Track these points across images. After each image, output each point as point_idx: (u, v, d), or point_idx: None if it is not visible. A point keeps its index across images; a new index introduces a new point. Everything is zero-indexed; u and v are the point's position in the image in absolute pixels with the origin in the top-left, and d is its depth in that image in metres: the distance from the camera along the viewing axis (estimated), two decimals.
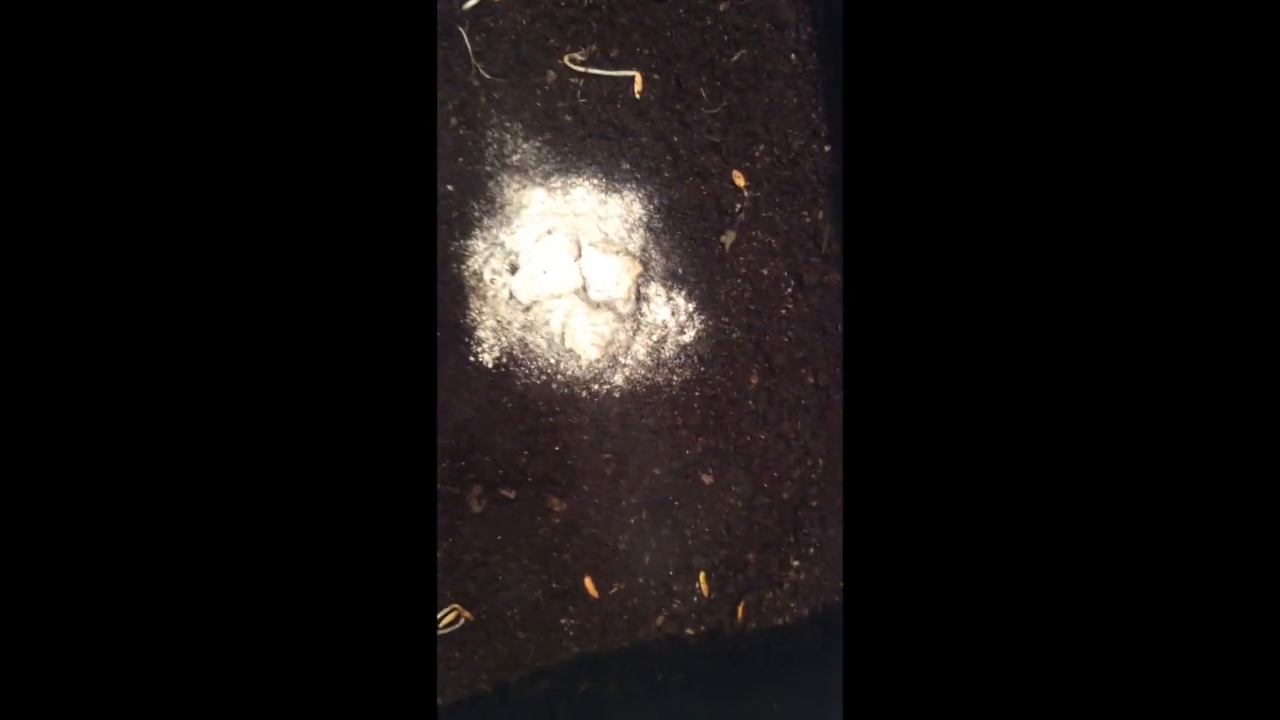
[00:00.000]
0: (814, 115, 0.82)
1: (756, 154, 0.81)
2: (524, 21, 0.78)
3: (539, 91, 0.78)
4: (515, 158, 0.78)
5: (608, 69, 0.78)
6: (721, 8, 0.80)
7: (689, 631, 0.78)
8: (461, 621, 0.73)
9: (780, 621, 0.79)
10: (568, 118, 0.79)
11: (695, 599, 0.78)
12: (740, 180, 0.81)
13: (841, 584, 0.81)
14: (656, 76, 0.79)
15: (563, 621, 0.76)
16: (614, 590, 0.77)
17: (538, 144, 0.78)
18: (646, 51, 0.79)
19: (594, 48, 0.79)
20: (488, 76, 0.77)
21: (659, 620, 0.78)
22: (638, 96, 0.79)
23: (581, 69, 0.78)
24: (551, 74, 0.78)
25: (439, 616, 0.73)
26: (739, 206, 0.81)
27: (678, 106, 0.80)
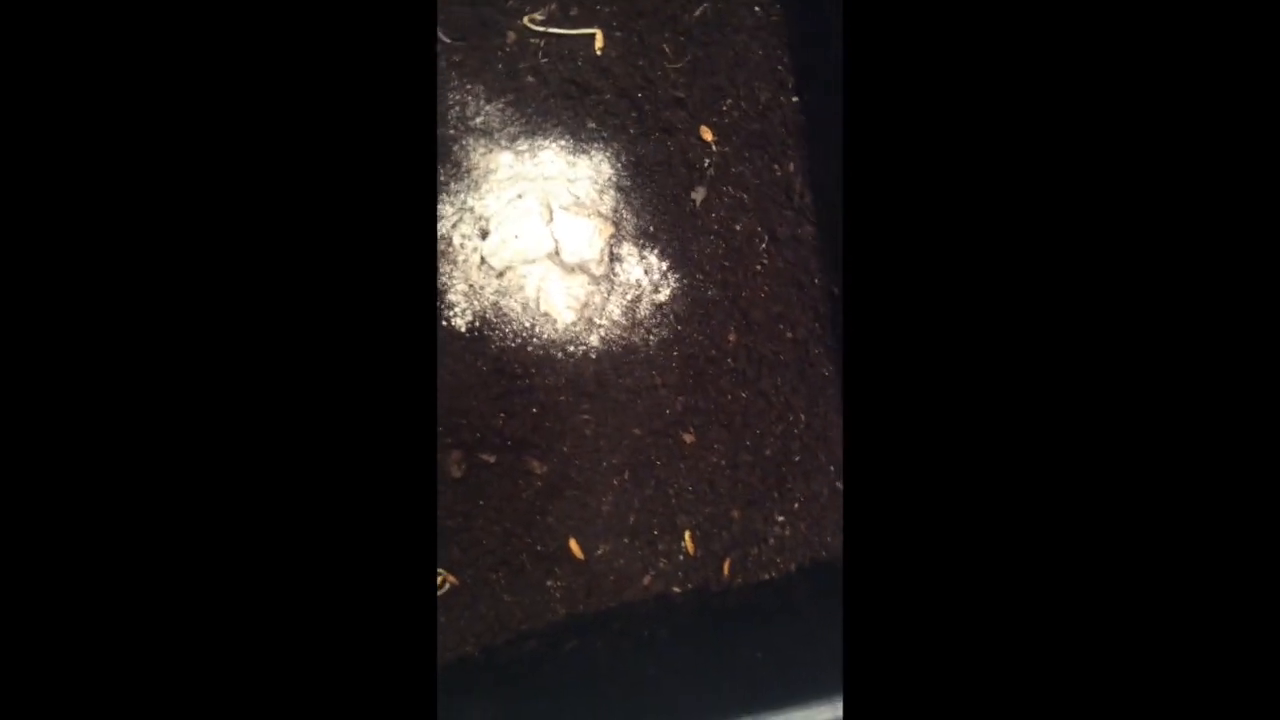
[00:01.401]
0: (780, 67, 0.81)
1: (724, 108, 0.80)
2: None
3: (500, 53, 0.77)
4: (479, 120, 0.78)
5: (567, 28, 0.78)
6: None
7: (676, 590, 0.78)
8: (447, 586, 0.73)
9: (766, 576, 0.79)
10: (530, 78, 0.78)
11: (681, 557, 0.78)
12: (708, 135, 0.80)
13: (828, 539, 0.81)
14: (618, 33, 0.79)
15: (549, 584, 0.76)
16: (599, 551, 0.77)
17: (501, 106, 0.78)
18: (607, 9, 0.78)
19: (553, 7, 0.78)
20: (448, 40, 0.76)
21: (646, 580, 0.77)
22: (599, 54, 0.78)
23: (541, 29, 0.77)
24: (511, 35, 0.77)
25: None
26: (708, 162, 0.80)
27: (640, 63, 0.79)
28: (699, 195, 0.80)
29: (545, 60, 0.78)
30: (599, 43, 0.78)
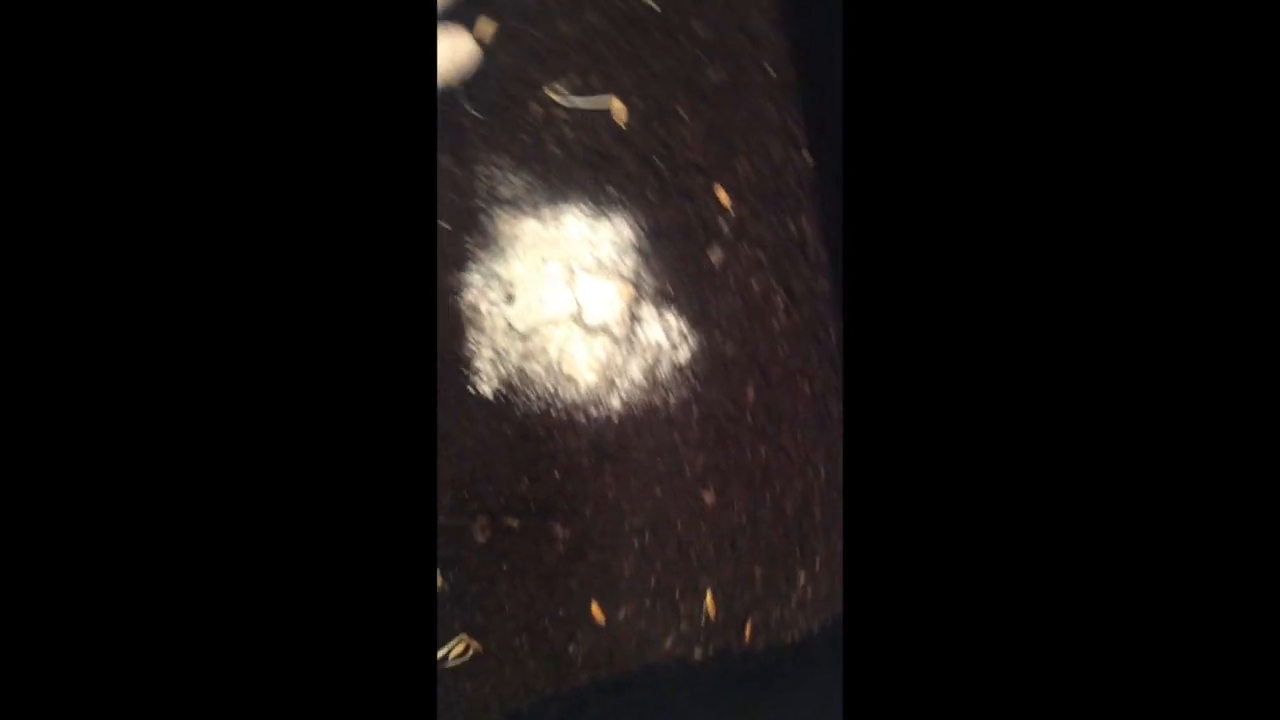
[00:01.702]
0: (792, 124, 0.82)
1: (739, 169, 0.82)
2: (507, 59, 0.79)
3: (525, 125, 0.79)
4: (506, 191, 0.80)
5: (588, 97, 0.80)
6: (694, 25, 0.81)
7: (697, 652, 0.78)
8: (471, 653, 0.74)
9: (789, 637, 0.79)
10: (554, 148, 0.80)
11: (703, 619, 0.78)
12: (724, 196, 0.81)
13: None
14: (638, 101, 0.80)
15: (571, 648, 0.76)
16: (621, 614, 0.77)
17: (527, 176, 0.79)
18: (626, 79, 0.80)
19: (574, 77, 0.80)
20: (479, 116, 0.78)
21: (667, 643, 0.78)
22: (620, 122, 0.80)
23: (563, 100, 0.79)
24: (536, 107, 0.79)
25: (450, 648, 0.73)
26: (724, 222, 0.81)
27: (659, 129, 0.80)
28: (716, 255, 0.81)
29: (568, 130, 0.80)
30: (618, 110, 0.79)
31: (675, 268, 0.81)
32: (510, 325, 0.79)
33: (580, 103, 0.77)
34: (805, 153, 0.84)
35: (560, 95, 0.79)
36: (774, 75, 0.82)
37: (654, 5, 0.79)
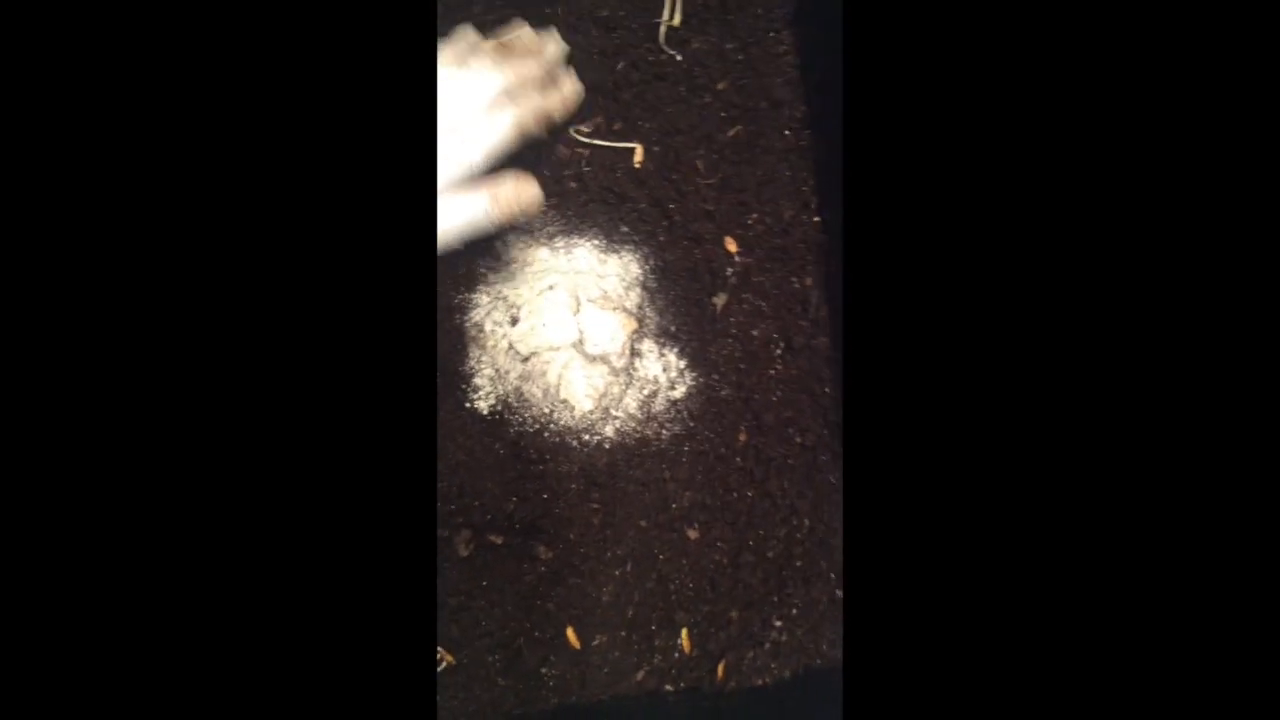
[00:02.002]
0: (805, 188, 0.87)
1: (749, 222, 0.86)
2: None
3: (549, 162, 0.83)
4: (522, 220, 0.83)
5: (611, 140, 0.84)
6: (720, 86, 0.86)
7: (668, 688, 0.78)
8: (444, 664, 0.74)
9: (760, 681, 0.79)
10: (572, 184, 0.84)
11: (676, 654, 0.79)
12: (732, 246, 0.85)
13: (824, 647, 0.81)
14: (656, 149, 0.85)
15: (543, 670, 0.76)
16: (596, 642, 0.77)
17: (544, 208, 0.83)
18: (648, 125, 0.85)
19: (599, 120, 0.85)
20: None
21: (639, 675, 0.78)
22: (638, 166, 0.84)
23: (586, 140, 0.84)
24: (561, 148, 0.84)
25: None
26: (730, 271, 0.85)
27: (675, 176, 0.85)
28: (720, 300, 0.84)
29: (588, 169, 0.84)
30: (638, 156, 0.84)
31: (679, 307, 0.84)
32: (512, 346, 0.82)
33: (604, 143, 0.82)
34: (814, 216, 0.87)
35: (585, 136, 0.83)
36: (790, 138, 0.87)
37: (675, 54, 0.84)
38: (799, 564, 0.82)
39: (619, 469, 0.80)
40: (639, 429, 0.82)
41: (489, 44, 0.74)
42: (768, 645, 0.80)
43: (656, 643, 0.78)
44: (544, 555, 0.77)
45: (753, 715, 0.77)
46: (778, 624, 0.81)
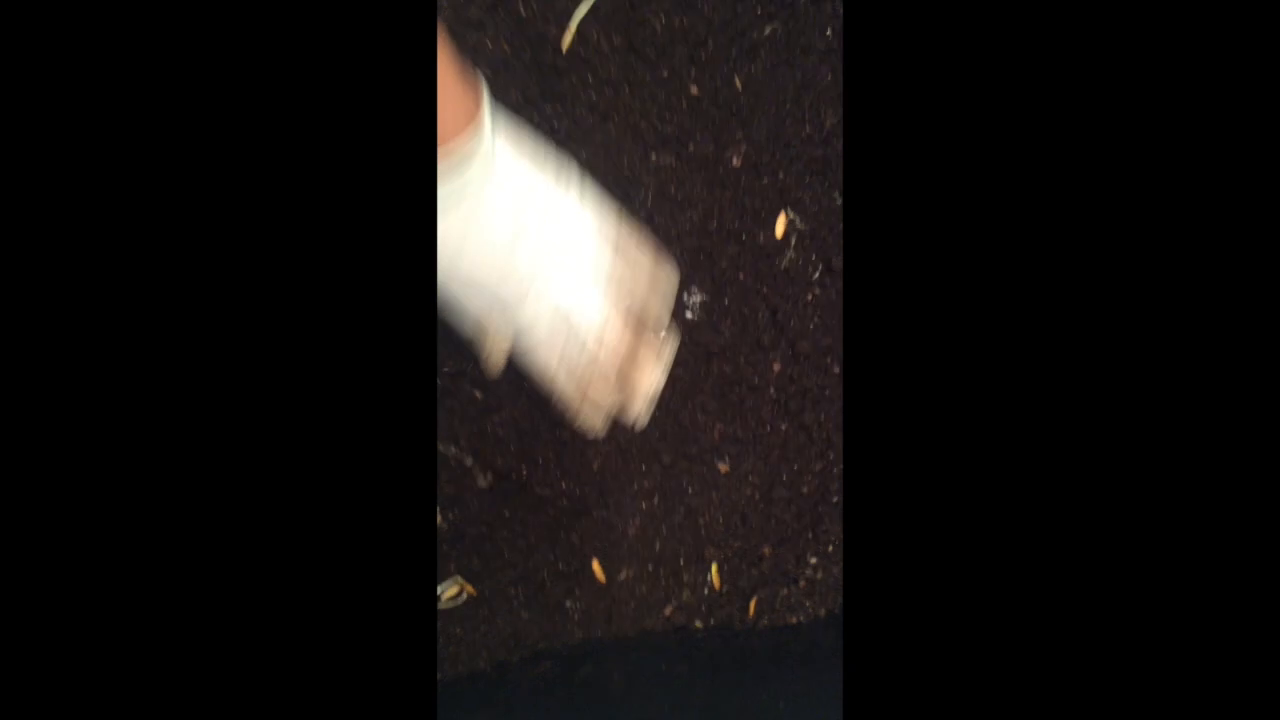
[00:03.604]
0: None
1: (787, 133, 0.78)
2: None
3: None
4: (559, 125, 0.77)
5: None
6: None
7: (698, 624, 0.75)
8: (464, 596, 0.72)
9: (794, 620, 0.76)
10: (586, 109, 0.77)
11: (706, 590, 0.76)
12: (766, 158, 0.78)
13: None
14: (693, 70, 0.77)
15: (568, 604, 0.74)
16: (622, 576, 0.75)
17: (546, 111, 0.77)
18: (677, 20, 0.77)
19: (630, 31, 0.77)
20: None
21: (667, 610, 0.75)
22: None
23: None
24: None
25: (442, 589, 0.72)
26: (766, 181, 0.78)
27: (716, 83, 0.77)
28: (757, 220, 0.78)
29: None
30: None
31: (709, 227, 0.78)
32: None
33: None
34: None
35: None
36: (831, 38, 0.78)
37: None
38: (835, 500, 0.78)
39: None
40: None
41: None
42: (802, 583, 0.77)
43: (685, 578, 0.75)
44: (566, 487, 0.74)
45: (786, 653, 0.74)
46: (812, 561, 0.77)
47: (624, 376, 0.62)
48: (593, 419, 0.64)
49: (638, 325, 0.63)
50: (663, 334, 0.67)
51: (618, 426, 0.75)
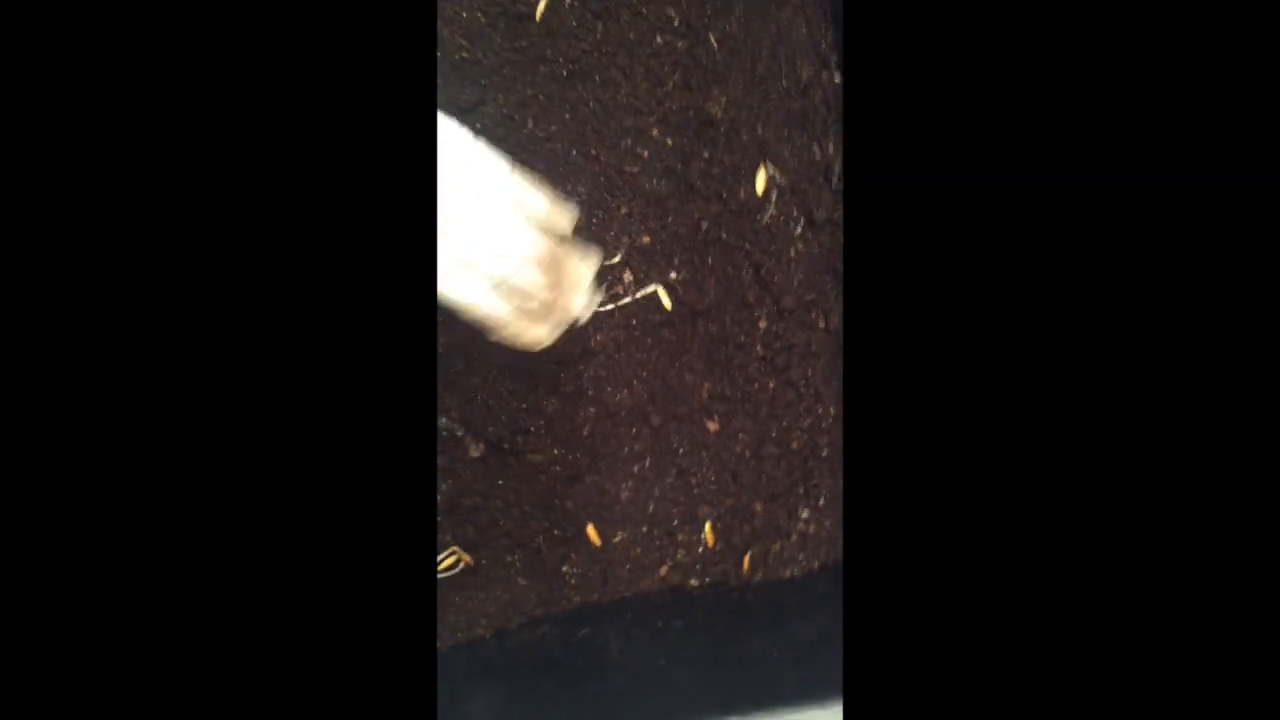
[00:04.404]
0: (824, 44, 0.78)
1: (765, 85, 0.77)
2: None
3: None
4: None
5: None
6: None
7: (693, 582, 0.76)
8: (461, 565, 0.73)
9: (788, 573, 0.77)
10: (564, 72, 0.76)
11: (700, 549, 0.76)
12: (747, 116, 0.77)
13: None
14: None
15: (564, 569, 0.74)
16: (617, 538, 0.75)
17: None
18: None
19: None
20: None
21: (663, 570, 0.76)
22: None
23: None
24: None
25: (440, 560, 0.72)
26: (745, 137, 0.77)
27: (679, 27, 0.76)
28: (736, 177, 0.77)
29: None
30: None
31: (692, 187, 0.77)
32: None
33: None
34: (835, 75, 0.79)
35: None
36: None
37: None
38: (825, 454, 0.79)
39: (634, 362, 0.76)
40: (652, 318, 0.77)
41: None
42: (794, 537, 0.78)
43: (680, 538, 0.76)
44: (558, 453, 0.74)
45: (782, 607, 0.75)
46: (804, 515, 0.78)
47: (553, 275, 0.65)
48: (532, 330, 0.67)
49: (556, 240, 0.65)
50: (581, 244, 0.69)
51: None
